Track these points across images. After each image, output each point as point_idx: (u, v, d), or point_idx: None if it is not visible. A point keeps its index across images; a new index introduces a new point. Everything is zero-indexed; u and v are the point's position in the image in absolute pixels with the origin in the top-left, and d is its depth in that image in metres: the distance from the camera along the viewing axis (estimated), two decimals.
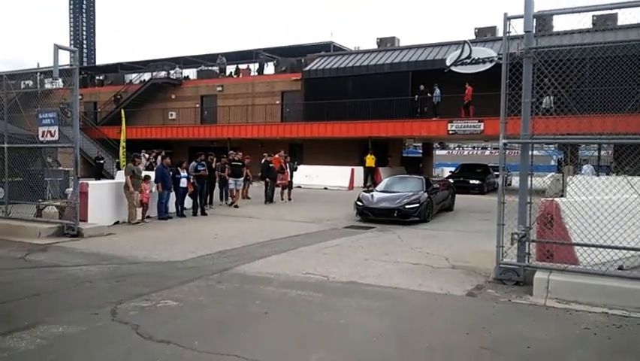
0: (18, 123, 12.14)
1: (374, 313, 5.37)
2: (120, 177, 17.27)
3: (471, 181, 21.74)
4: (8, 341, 4.44)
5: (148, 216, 12.43)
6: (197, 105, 33.27)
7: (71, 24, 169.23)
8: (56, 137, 10.42)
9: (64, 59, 10.04)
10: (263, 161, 17.20)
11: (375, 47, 29.35)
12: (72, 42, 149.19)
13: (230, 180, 15.49)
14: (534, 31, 6.33)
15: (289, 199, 17.75)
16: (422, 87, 24.11)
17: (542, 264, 6.30)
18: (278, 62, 31.90)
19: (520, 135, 6.41)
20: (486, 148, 53.85)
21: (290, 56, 31.52)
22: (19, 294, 5.92)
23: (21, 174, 11.42)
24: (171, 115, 33.31)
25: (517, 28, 6.32)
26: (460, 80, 21.05)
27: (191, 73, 36.28)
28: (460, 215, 14.24)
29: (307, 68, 29.04)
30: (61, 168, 15.35)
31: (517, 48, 6.28)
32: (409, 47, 27.52)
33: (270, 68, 32.96)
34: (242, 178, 16.04)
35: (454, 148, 58.38)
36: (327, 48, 30.93)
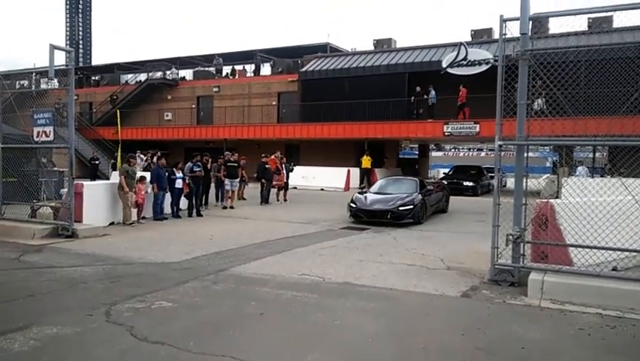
0: (13, 123, 12.08)
1: (369, 314, 5.37)
2: (115, 177, 17.22)
3: (464, 183, 21.60)
4: (2, 342, 4.41)
5: (143, 217, 12.39)
6: (194, 106, 33.23)
7: (67, 24, 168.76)
8: (51, 137, 10.38)
9: (60, 59, 10.02)
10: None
11: (372, 48, 29.40)
12: (68, 42, 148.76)
13: (227, 182, 15.45)
14: (530, 34, 6.36)
15: (285, 200, 17.74)
16: (418, 89, 24.15)
17: (537, 265, 6.32)
18: (274, 63, 31.92)
19: (515, 137, 6.44)
20: (482, 150, 54.05)
21: (286, 57, 31.53)
22: (13, 295, 5.89)
23: (15, 174, 11.35)
24: (167, 116, 33.24)
25: (513, 30, 6.35)
26: (456, 82, 21.15)
27: (187, 74, 36.28)
28: (454, 217, 14.27)
29: (304, 69, 29.06)
30: (56, 168, 15.28)
31: (513, 50, 6.30)
32: (406, 49, 27.59)
33: (266, 69, 33.00)
34: (238, 179, 16.01)
35: (450, 150, 58.51)
36: (324, 49, 30.97)
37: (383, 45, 29.10)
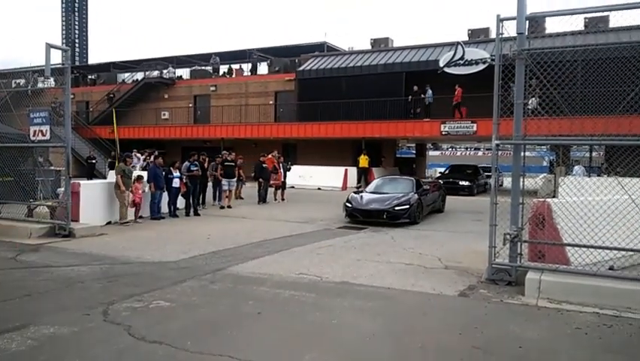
0: (9, 122, 12.04)
1: (367, 314, 5.37)
2: (112, 176, 17.18)
3: (460, 182, 21.42)
4: None
5: (140, 217, 12.38)
6: (191, 105, 33.17)
7: (63, 23, 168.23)
8: (48, 136, 10.34)
9: (57, 58, 9.99)
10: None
11: (369, 47, 29.40)
12: (64, 41, 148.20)
13: (224, 181, 15.44)
14: (526, 33, 6.37)
15: (282, 200, 17.74)
16: (416, 88, 24.18)
17: (534, 264, 6.34)
18: (271, 62, 31.89)
19: (512, 136, 6.45)
20: (479, 149, 54.11)
21: (284, 56, 31.51)
22: (9, 294, 5.87)
23: (12, 173, 11.31)
24: (164, 115, 33.18)
25: (510, 29, 6.37)
26: (453, 82, 21.19)
27: (184, 73, 36.19)
28: (451, 216, 14.27)
29: (301, 69, 29.05)
30: (52, 167, 15.23)
31: (509, 50, 6.32)
32: (403, 48, 27.61)
33: (263, 68, 32.94)
34: (234, 179, 15.99)
35: (448, 149, 58.57)
36: (321, 48, 30.96)
37: (380, 44, 29.11)
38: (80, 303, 5.54)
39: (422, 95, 23.95)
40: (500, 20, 6.40)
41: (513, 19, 6.33)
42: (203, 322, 5.06)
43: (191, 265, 7.54)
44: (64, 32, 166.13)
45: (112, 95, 34.64)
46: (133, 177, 12.22)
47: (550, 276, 5.96)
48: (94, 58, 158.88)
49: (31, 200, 11.08)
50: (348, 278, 6.82)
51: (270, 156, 18.00)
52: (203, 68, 34.87)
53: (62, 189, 10.85)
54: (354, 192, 13.66)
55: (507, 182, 7.86)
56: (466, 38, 26.07)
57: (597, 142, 6.88)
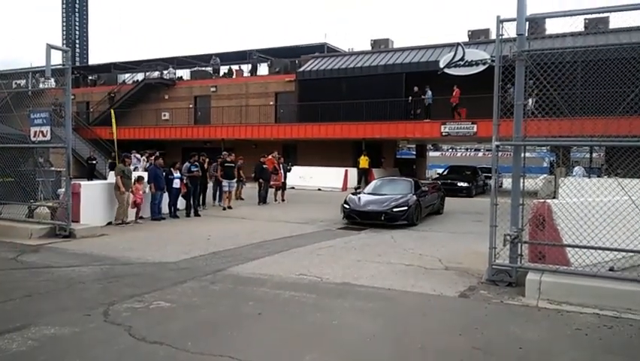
0: (9, 123, 12.05)
1: (367, 314, 5.38)
2: (112, 177, 17.19)
3: (459, 184, 21.17)
4: (0, 342, 4.40)
5: (141, 217, 12.38)
6: (191, 106, 33.19)
7: (64, 24, 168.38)
8: (48, 137, 10.35)
9: (57, 58, 10.00)
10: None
11: (370, 48, 29.43)
12: (64, 42, 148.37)
13: (224, 182, 15.45)
14: (527, 34, 6.38)
15: (282, 200, 17.74)
16: (416, 89, 24.19)
17: (534, 265, 6.34)
18: (272, 63, 31.90)
19: (512, 137, 6.46)
20: (479, 150, 54.11)
21: (284, 57, 31.52)
22: (10, 295, 5.88)
23: (12, 174, 11.32)
24: (164, 115, 33.20)
25: (510, 30, 6.37)
26: (453, 82, 21.23)
27: (184, 73, 36.22)
28: (450, 217, 14.24)
29: (301, 69, 29.07)
30: (53, 168, 15.23)
31: (509, 51, 6.32)
32: (403, 49, 27.61)
33: (263, 69, 32.96)
34: (234, 180, 15.99)
35: (448, 150, 58.59)
36: (321, 49, 30.98)
37: (380, 45, 29.12)
38: (80, 303, 5.55)
39: (422, 96, 23.96)
40: (500, 21, 6.40)
41: (513, 20, 6.34)
42: (203, 322, 5.06)
43: (192, 266, 7.54)
44: (64, 33, 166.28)
45: (113, 95, 34.66)
46: (133, 178, 12.23)
47: (550, 277, 5.96)
48: (94, 58, 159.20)
49: (32, 201, 11.09)
50: (348, 279, 6.82)
51: (270, 156, 18.01)
52: (203, 68, 34.89)
53: (63, 189, 10.86)
54: (352, 194, 13.47)
55: (506, 183, 7.87)
56: (467, 39, 26.09)
57: (597, 143, 6.88)
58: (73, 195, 10.35)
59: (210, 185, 15.77)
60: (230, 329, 4.86)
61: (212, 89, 32.60)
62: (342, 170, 24.08)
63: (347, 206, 12.49)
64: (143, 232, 10.97)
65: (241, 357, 4.15)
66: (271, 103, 30.76)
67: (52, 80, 10.61)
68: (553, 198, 9.95)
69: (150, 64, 35.28)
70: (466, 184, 21.32)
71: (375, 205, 12.24)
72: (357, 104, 25.09)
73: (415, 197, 12.56)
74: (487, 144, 33.67)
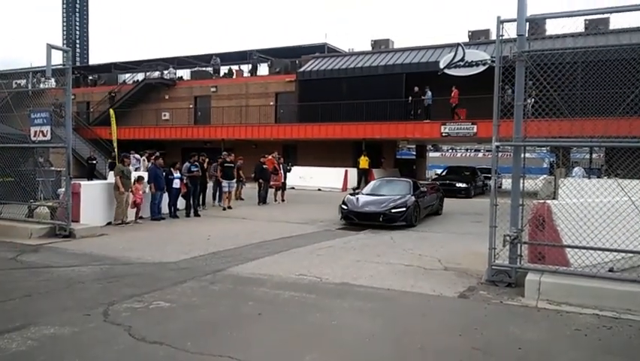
0: (10, 123, 12.05)
1: (367, 315, 5.38)
2: (112, 177, 17.19)
3: (457, 184, 21.01)
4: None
5: (141, 217, 12.39)
6: (191, 106, 33.20)
7: (64, 24, 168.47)
8: (48, 137, 10.36)
9: (57, 58, 10.00)
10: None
11: (370, 48, 29.44)
12: (65, 42, 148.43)
13: (224, 183, 15.46)
14: (527, 35, 6.38)
15: (282, 200, 17.75)
16: (416, 89, 24.19)
17: (534, 266, 6.34)
18: (272, 63, 31.92)
19: (512, 138, 6.46)
20: (479, 150, 54.11)
21: (284, 57, 31.53)
22: (10, 295, 5.88)
23: (12, 174, 11.33)
24: (165, 115, 33.21)
25: (511, 31, 6.38)
26: (453, 83, 21.23)
27: (185, 73, 36.24)
28: (450, 218, 14.21)
29: (301, 70, 29.08)
30: (53, 168, 15.24)
31: (510, 51, 6.33)
32: (403, 49, 27.62)
33: (264, 69, 32.96)
34: (234, 180, 16.00)
35: (448, 150, 58.60)
36: (322, 49, 30.99)
37: (380, 46, 29.14)
38: (80, 303, 5.55)
39: (422, 97, 23.97)
40: (500, 22, 6.41)
41: (513, 21, 6.34)
42: (203, 322, 5.07)
43: (192, 266, 7.54)
44: (64, 33, 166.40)
45: (114, 95, 34.67)
46: (133, 178, 12.24)
47: (550, 277, 5.96)
48: (94, 58, 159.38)
49: (32, 200, 11.09)
50: (348, 279, 6.82)
51: (270, 157, 18.02)
52: (203, 68, 34.90)
53: (63, 189, 10.87)
54: (351, 194, 13.30)
55: (506, 183, 7.87)
56: (467, 40, 26.12)
57: (597, 144, 6.88)
58: (73, 195, 10.35)
59: (210, 185, 15.78)
60: (230, 329, 4.86)
61: (213, 89, 32.61)
62: (342, 170, 24.09)
63: (345, 207, 12.37)
64: (142, 232, 10.97)
65: (241, 357, 4.15)
66: (271, 103, 30.77)
67: (53, 80, 10.63)
68: (553, 198, 9.96)
69: (150, 64, 35.29)
70: (464, 185, 21.16)
71: (373, 206, 12.13)
72: (358, 104, 25.09)
73: (413, 198, 12.44)
74: (487, 144, 33.66)
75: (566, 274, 6.02)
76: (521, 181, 6.49)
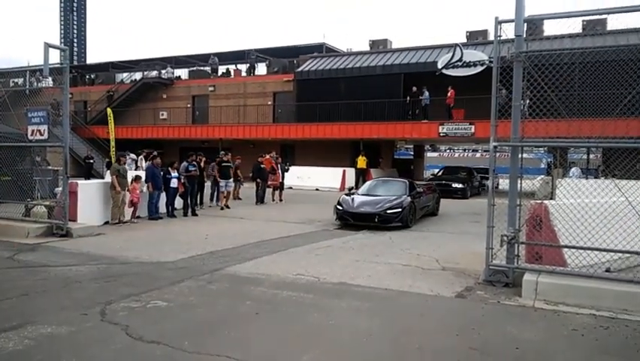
0: (7, 122, 12.02)
1: (364, 314, 5.38)
2: (109, 177, 17.16)
3: (454, 185, 20.82)
4: None
5: (138, 217, 12.36)
6: (189, 105, 33.14)
7: (62, 23, 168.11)
8: (46, 136, 10.34)
9: (55, 57, 9.99)
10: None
11: (368, 48, 29.45)
12: (62, 41, 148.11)
13: (221, 182, 15.45)
14: (525, 35, 6.40)
15: (280, 200, 17.74)
16: (414, 89, 24.20)
17: (531, 266, 6.36)
18: (270, 63, 31.89)
19: (510, 138, 6.47)
20: (477, 150, 54.18)
21: (282, 57, 31.51)
22: (7, 294, 5.86)
23: (9, 173, 11.29)
24: (162, 115, 33.14)
25: (508, 32, 6.39)
26: (451, 83, 21.23)
27: (182, 73, 36.16)
28: (446, 219, 14.20)
29: (299, 69, 29.06)
30: (50, 167, 15.21)
31: (507, 52, 6.34)
32: (401, 50, 27.62)
33: (262, 69, 32.95)
34: (231, 179, 15.98)
35: (445, 150, 58.66)
36: (320, 49, 30.98)
37: (379, 46, 29.13)
38: (77, 303, 5.54)
39: (420, 97, 23.98)
40: (498, 23, 6.42)
41: (511, 21, 6.35)
42: (200, 322, 5.06)
43: (189, 265, 7.53)
44: (62, 32, 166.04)
45: (112, 94, 34.59)
46: (130, 177, 12.22)
47: (547, 278, 5.97)
48: (93, 58, 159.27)
49: (29, 199, 11.07)
50: (346, 279, 6.83)
51: (268, 156, 18.01)
52: (201, 68, 34.85)
53: (60, 188, 10.84)
54: (346, 194, 13.03)
55: (503, 184, 7.88)
56: (465, 40, 26.12)
57: (594, 144, 6.90)
58: (71, 195, 10.32)
59: (208, 185, 15.76)
60: (228, 328, 4.86)
61: (211, 88, 32.56)
62: (339, 170, 24.08)
63: (340, 207, 12.22)
64: (140, 231, 10.96)
65: (238, 357, 4.14)
66: (269, 103, 30.74)
67: (50, 78, 10.60)
68: (551, 199, 9.98)
69: (148, 63, 35.23)
70: (460, 185, 20.96)
71: (368, 207, 11.98)
72: (356, 104, 25.10)
73: (409, 198, 12.29)
74: (484, 144, 33.69)
75: (563, 275, 6.03)
76: (519, 181, 6.50)
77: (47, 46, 9.53)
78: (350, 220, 11.91)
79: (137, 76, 35.51)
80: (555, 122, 6.33)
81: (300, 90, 28.73)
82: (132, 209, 12.12)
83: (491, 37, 7.17)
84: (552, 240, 6.43)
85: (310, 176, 23.96)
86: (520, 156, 6.58)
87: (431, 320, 5.33)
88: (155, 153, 15.00)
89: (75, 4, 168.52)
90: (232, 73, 33.72)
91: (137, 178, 12.33)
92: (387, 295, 6.16)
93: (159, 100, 33.85)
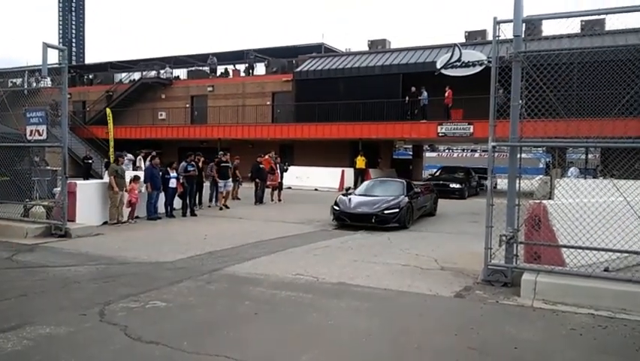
0: (5, 122, 12.01)
1: (363, 314, 5.39)
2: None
3: (451, 185, 20.71)
4: None
5: (137, 217, 12.35)
6: (188, 105, 33.10)
7: (60, 23, 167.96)
8: (44, 136, 10.32)
9: (53, 57, 9.97)
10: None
11: (367, 48, 29.45)
12: (61, 41, 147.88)
13: (220, 183, 15.44)
14: (523, 36, 6.40)
15: (279, 200, 17.74)
16: (413, 89, 24.20)
17: (530, 265, 6.37)
18: (269, 63, 31.88)
19: (509, 138, 6.48)
20: (475, 150, 54.24)
21: (281, 57, 31.50)
22: (5, 294, 5.86)
23: (8, 173, 11.28)
24: (161, 115, 33.10)
25: (507, 32, 6.40)
26: (450, 83, 21.24)
27: (181, 73, 36.11)
28: (445, 219, 14.17)
29: (298, 69, 29.05)
30: (49, 167, 15.20)
31: (506, 52, 6.34)
32: (400, 50, 27.63)
33: (261, 69, 32.92)
34: (229, 179, 15.97)
35: (444, 150, 58.69)
36: (319, 49, 30.97)
37: (377, 46, 29.14)
38: (76, 303, 5.53)
39: (419, 97, 23.99)
40: (497, 23, 6.43)
41: (510, 21, 6.36)
42: (199, 322, 5.06)
43: (188, 266, 7.53)
44: (60, 32, 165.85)
45: (111, 93, 34.56)
46: (129, 177, 12.21)
47: (545, 277, 5.98)
48: (91, 58, 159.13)
49: (28, 200, 11.04)
50: (344, 279, 6.83)
51: (267, 156, 18.01)
52: (200, 68, 34.82)
53: (58, 188, 10.82)
54: (343, 195, 12.93)
55: (502, 183, 7.89)
56: (463, 40, 26.13)
57: (593, 144, 6.92)
58: (69, 195, 10.31)
59: (207, 185, 15.76)
60: (227, 328, 4.86)
61: (209, 88, 32.54)
62: (338, 170, 24.07)
63: (337, 208, 12.11)
64: (139, 231, 10.95)
65: (237, 357, 4.15)
66: (268, 103, 30.72)
67: (49, 78, 10.59)
68: (549, 198, 9.98)
69: (147, 63, 35.18)
70: (458, 185, 20.84)
71: (365, 207, 11.89)
72: (355, 104, 25.10)
73: (406, 199, 12.18)
74: (483, 144, 33.72)
75: (562, 274, 6.04)
76: (517, 181, 6.51)
77: (46, 46, 9.52)
78: (347, 221, 11.82)
79: (136, 76, 35.46)
80: (554, 122, 6.34)
81: (298, 90, 28.72)
82: (130, 209, 12.10)
83: (490, 38, 7.17)
84: (551, 240, 6.44)
85: (309, 176, 23.95)
86: (518, 155, 6.59)
87: (430, 320, 5.33)
88: (154, 153, 15.00)
89: (74, 4, 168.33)
90: (231, 73, 33.71)
91: (135, 178, 12.32)
92: (386, 295, 6.16)
93: (158, 100, 33.81)
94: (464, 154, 58.26)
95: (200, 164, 14.65)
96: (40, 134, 10.29)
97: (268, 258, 8.23)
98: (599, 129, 6.28)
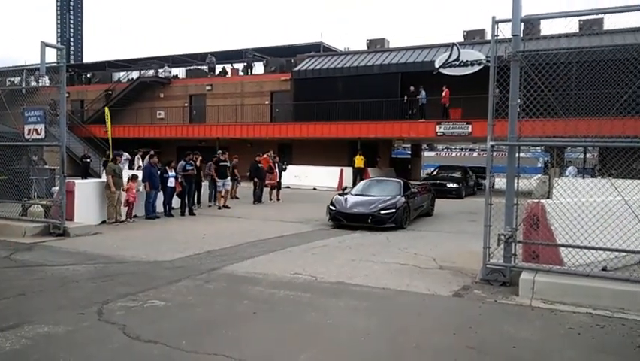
0: (3, 121, 11.99)
1: (362, 314, 5.39)
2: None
3: (448, 185, 20.58)
4: None
5: (135, 216, 12.34)
6: (186, 104, 33.09)
7: (58, 22, 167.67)
8: (42, 135, 10.30)
9: (52, 56, 9.95)
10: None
11: (365, 48, 29.45)
12: (59, 40, 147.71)
13: (219, 182, 15.43)
14: (521, 35, 6.41)
15: (278, 199, 17.73)
16: (412, 88, 24.21)
17: (528, 265, 6.37)
18: (267, 62, 31.88)
19: (507, 137, 6.48)
20: (474, 150, 54.27)
21: (279, 56, 31.50)
22: (3, 293, 5.85)
23: (6, 172, 11.26)
24: (159, 114, 33.07)
25: (505, 31, 6.40)
26: (448, 82, 21.25)
27: (180, 72, 36.08)
28: (442, 219, 14.16)
29: (297, 69, 29.04)
30: (47, 166, 15.16)
31: (505, 51, 6.35)
32: (399, 49, 27.65)
33: (259, 68, 32.91)
34: (228, 179, 15.96)
35: (443, 150, 58.72)
36: (317, 49, 30.97)
37: (376, 45, 29.14)
38: (74, 302, 5.53)
39: (417, 96, 24.01)
40: (495, 22, 6.43)
41: (508, 21, 6.36)
42: (198, 321, 5.06)
43: (186, 265, 7.53)
44: (59, 31, 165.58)
45: (110, 92, 34.51)
46: (127, 177, 12.19)
47: (544, 276, 5.99)
48: (91, 57, 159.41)
49: (26, 199, 11.03)
50: (343, 278, 6.83)
51: (265, 155, 18.00)
52: (199, 67, 34.80)
53: (57, 188, 10.81)
54: (339, 194, 12.74)
55: (500, 183, 7.90)
56: (462, 39, 26.13)
57: (591, 143, 6.93)
58: (67, 194, 10.30)
59: (206, 184, 15.75)
60: (225, 327, 4.86)
61: (208, 87, 32.52)
62: (337, 169, 24.07)
63: (333, 208, 11.96)
64: (137, 230, 10.94)
65: (236, 356, 4.14)
66: (267, 102, 30.72)
67: (47, 77, 10.56)
68: (547, 198, 10.00)
69: (145, 62, 35.15)
70: (455, 185, 20.71)
71: (362, 207, 11.76)
72: (353, 103, 25.09)
73: (403, 199, 12.05)
74: (482, 144, 33.82)
75: (560, 273, 6.05)
76: (516, 180, 6.51)
77: (44, 45, 9.50)
78: (343, 221, 11.70)
79: (134, 75, 35.44)
80: (552, 121, 6.34)
81: (297, 89, 28.72)
82: (127, 208, 12.09)
83: (488, 37, 7.18)
84: (549, 239, 6.45)
85: (308, 175, 23.95)
86: (517, 155, 6.59)
87: (428, 319, 5.34)
88: (152, 152, 14.97)
89: (72, 3, 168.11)
90: (229, 72, 33.68)
91: (133, 177, 12.31)
92: (385, 294, 6.17)
93: (156, 99, 33.79)
94: (463, 153, 58.29)
95: (197, 163, 14.65)
96: (38, 133, 10.28)
97: (267, 257, 8.23)
98: (597, 129, 6.30)
